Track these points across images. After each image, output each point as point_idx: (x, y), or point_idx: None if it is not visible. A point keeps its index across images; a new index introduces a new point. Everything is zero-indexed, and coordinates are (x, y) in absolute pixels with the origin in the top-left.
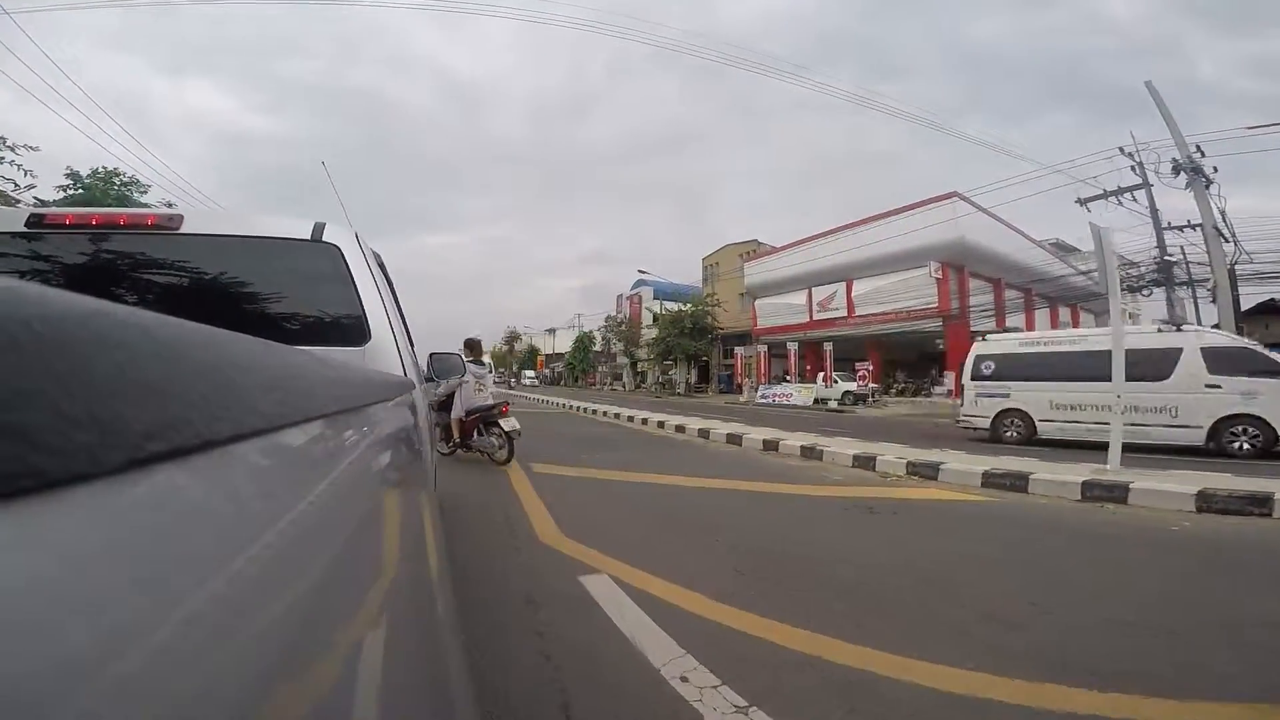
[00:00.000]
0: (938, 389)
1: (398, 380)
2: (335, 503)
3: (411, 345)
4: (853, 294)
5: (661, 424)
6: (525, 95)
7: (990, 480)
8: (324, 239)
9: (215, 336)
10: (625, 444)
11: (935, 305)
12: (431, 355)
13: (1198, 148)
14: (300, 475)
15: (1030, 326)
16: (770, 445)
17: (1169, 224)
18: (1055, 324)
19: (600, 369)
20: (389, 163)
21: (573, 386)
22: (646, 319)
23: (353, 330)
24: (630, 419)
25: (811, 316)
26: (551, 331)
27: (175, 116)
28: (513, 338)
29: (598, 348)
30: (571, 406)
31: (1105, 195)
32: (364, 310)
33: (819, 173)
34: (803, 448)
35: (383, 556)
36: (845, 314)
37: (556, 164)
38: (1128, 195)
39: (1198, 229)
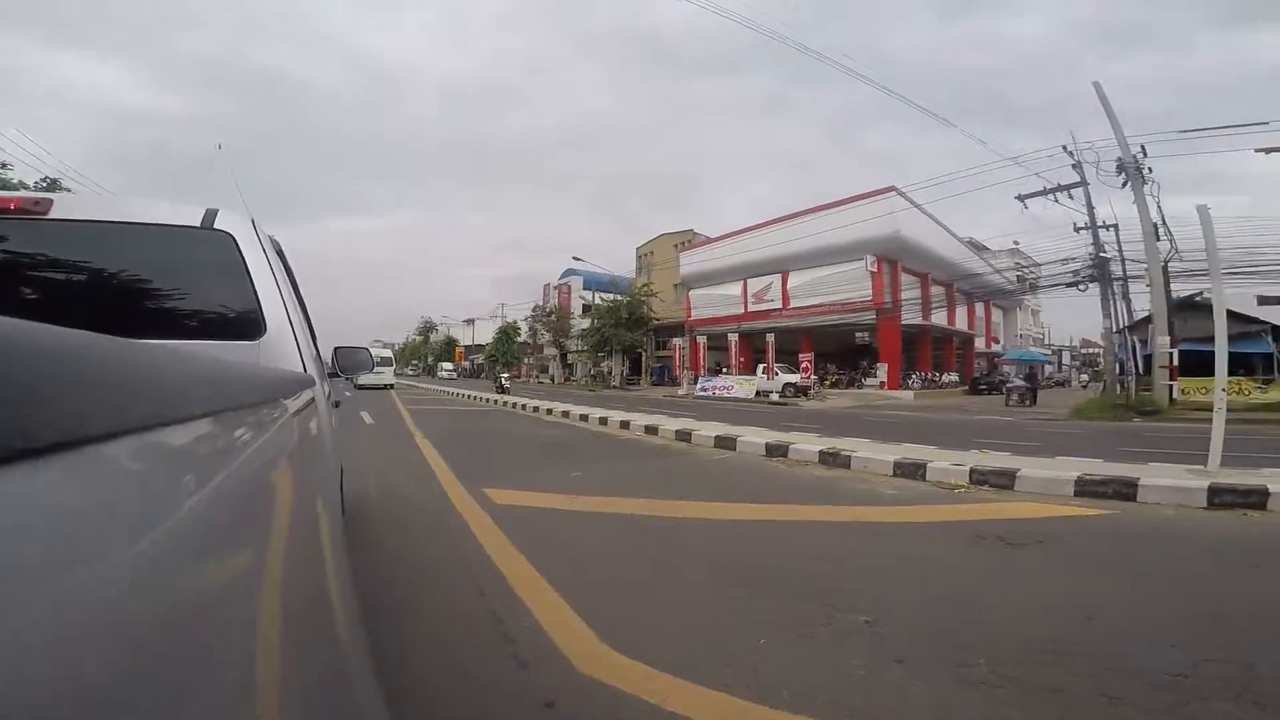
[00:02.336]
0: (869, 380)
1: (294, 377)
2: (201, 513)
3: (314, 339)
4: (788, 286)
5: (626, 424)
6: (449, 80)
7: (1086, 488)
8: (216, 226)
9: (37, 333)
10: (594, 452)
11: (869, 299)
12: (336, 349)
13: (1141, 148)
14: (158, 484)
15: (951, 322)
16: (776, 450)
17: (1103, 223)
18: (971, 320)
19: (526, 361)
20: (299, 146)
21: (492, 380)
22: (577, 309)
23: (246, 323)
24: (584, 418)
25: (746, 308)
26: (470, 322)
27: (59, 92)
28: (428, 328)
29: (523, 338)
30: (508, 403)
31: (1044, 192)
32: (259, 302)
33: (753, 167)
34: (822, 453)
35: (259, 573)
36: (780, 306)
37: (481, 151)
38: (1065, 193)
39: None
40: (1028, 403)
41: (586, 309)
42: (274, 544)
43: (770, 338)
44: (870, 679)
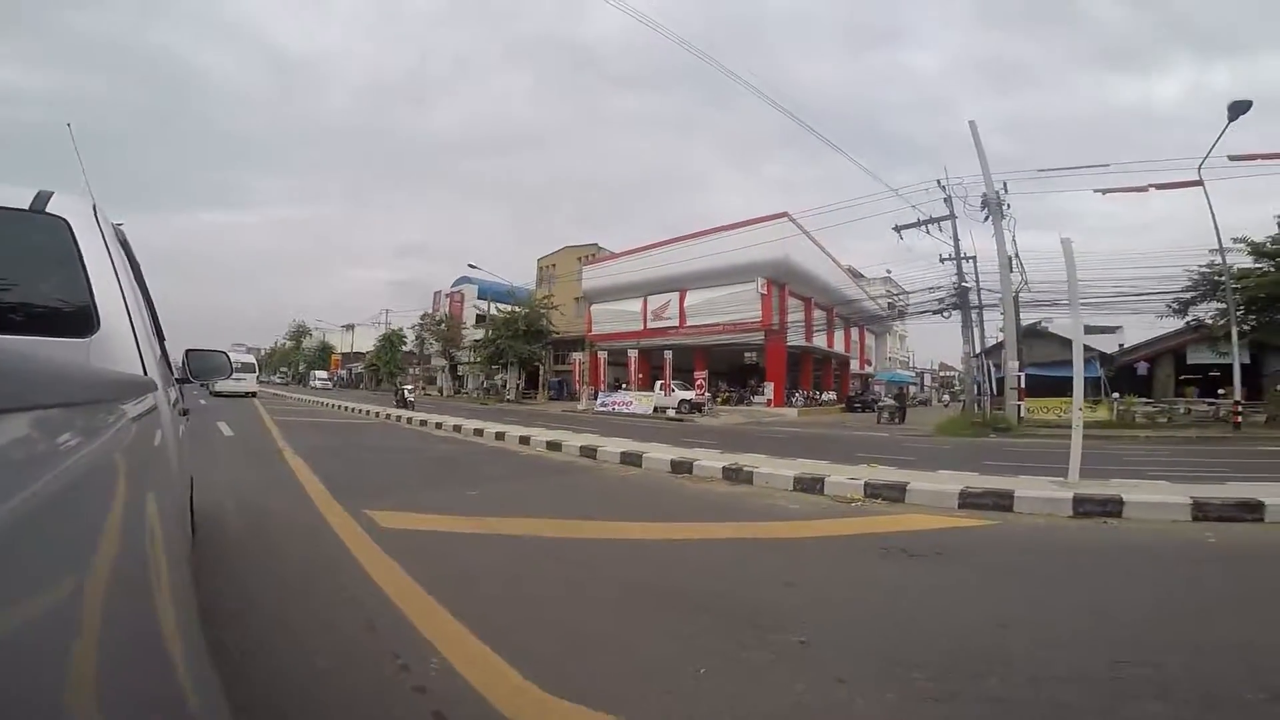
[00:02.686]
0: (757, 398)
1: (131, 379)
2: (9, 522)
3: (161, 339)
4: (685, 304)
5: (526, 440)
6: (361, 75)
7: (969, 500)
8: (49, 210)
9: None
10: (492, 470)
11: (759, 320)
12: (188, 352)
13: (1004, 184)
14: None
15: (830, 344)
16: (682, 467)
17: (964, 255)
18: (848, 343)
19: (412, 371)
20: (175, 133)
21: (376, 390)
22: (470, 318)
23: (76, 318)
24: (479, 432)
25: (646, 325)
26: (350, 328)
27: None
28: (300, 333)
29: (409, 347)
30: (393, 417)
31: (919, 224)
32: (93, 295)
33: (660, 186)
34: (725, 469)
35: (77, 592)
36: (678, 324)
37: (374, 151)
38: (936, 226)
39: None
40: (897, 420)
41: (481, 319)
42: (99, 561)
43: (668, 355)
44: (819, 702)
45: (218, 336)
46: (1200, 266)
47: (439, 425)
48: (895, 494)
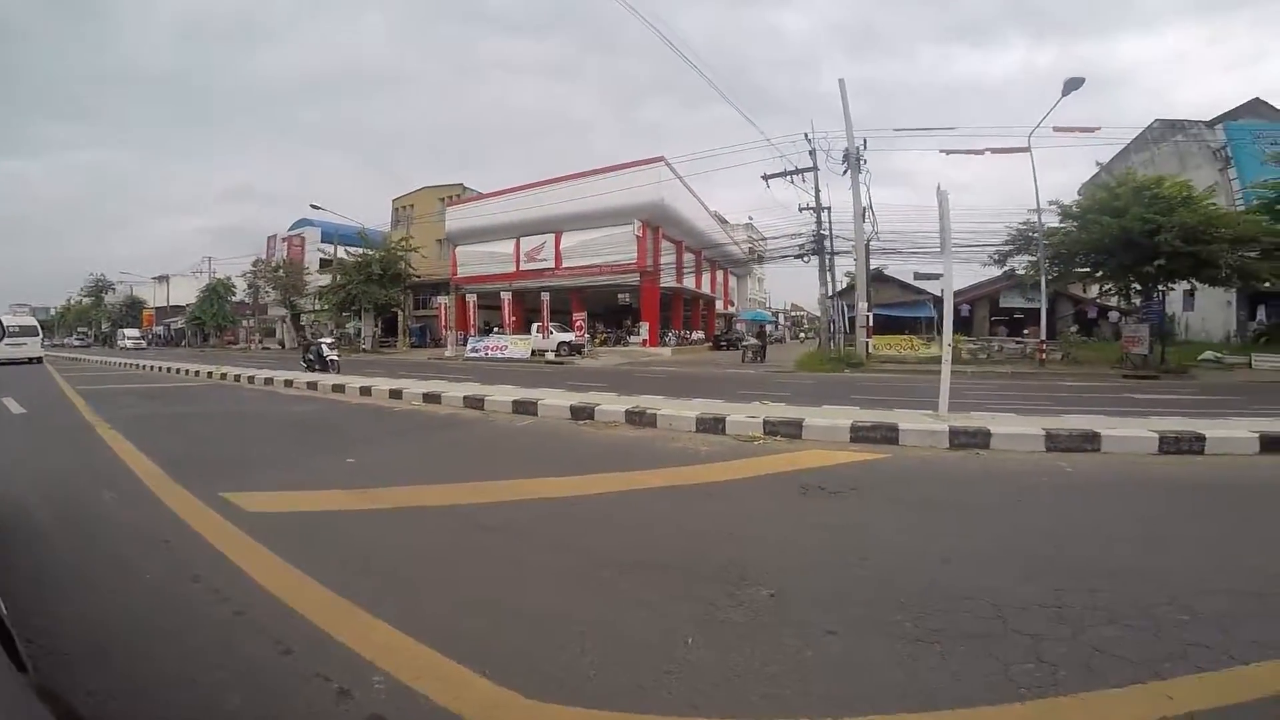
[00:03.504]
0: (633, 339)
1: None
2: None
3: None
4: (561, 246)
5: (397, 393)
6: (188, 9)
7: (859, 435)
8: None
9: None
10: (366, 430)
11: (635, 261)
12: None
13: (864, 141)
14: None
15: (698, 286)
16: (582, 412)
17: (815, 206)
18: (714, 285)
19: (246, 324)
20: None
21: (201, 347)
22: (313, 264)
23: None
24: (338, 388)
25: (519, 266)
26: (163, 279)
27: None
28: (100, 288)
29: (240, 297)
30: (231, 376)
31: (785, 174)
32: None
33: (531, 129)
34: (628, 413)
35: None
36: (554, 265)
37: (213, 89)
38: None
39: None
40: (759, 359)
41: (327, 264)
42: None
43: (546, 297)
44: (824, 657)
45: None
46: (1019, 224)
47: (289, 383)
48: (793, 430)
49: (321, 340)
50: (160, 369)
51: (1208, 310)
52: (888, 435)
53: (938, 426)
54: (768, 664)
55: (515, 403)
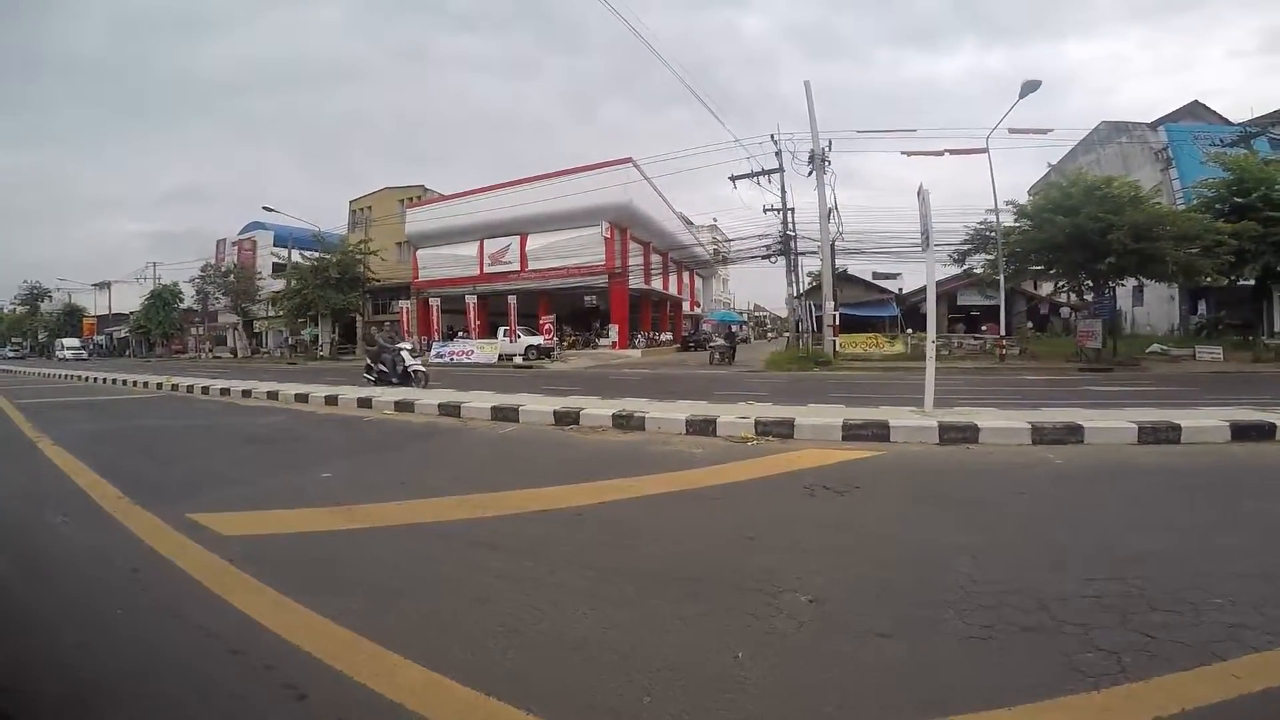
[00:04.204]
0: (603, 341)
1: None
2: None
3: None
4: (527, 248)
5: (366, 402)
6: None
7: (851, 432)
8: None
9: None
10: (338, 442)
11: (603, 263)
12: None
13: (829, 142)
14: None
15: (665, 287)
16: (565, 418)
17: (781, 206)
18: (680, 286)
19: (195, 332)
20: None
21: (147, 357)
22: (265, 268)
23: None
24: (302, 398)
25: (483, 269)
26: (104, 286)
27: None
28: (36, 295)
29: (188, 304)
30: (175, 386)
31: (752, 175)
32: None
33: (493, 130)
34: (615, 417)
35: None
36: (519, 268)
37: (143, 82)
38: (766, 178)
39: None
40: (727, 360)
41: (279, 268)
42: None
43: (512, 300)
44: (882, 661)
45: None
46: (977, 224)
47: (247, 393)
48: (785, 430)
49: (401, 346)
50: (105, 380)
51: (1152, 305)
52: (879, 432)
53: (927, 423)
54: (829, 672)
55: (494, 409)
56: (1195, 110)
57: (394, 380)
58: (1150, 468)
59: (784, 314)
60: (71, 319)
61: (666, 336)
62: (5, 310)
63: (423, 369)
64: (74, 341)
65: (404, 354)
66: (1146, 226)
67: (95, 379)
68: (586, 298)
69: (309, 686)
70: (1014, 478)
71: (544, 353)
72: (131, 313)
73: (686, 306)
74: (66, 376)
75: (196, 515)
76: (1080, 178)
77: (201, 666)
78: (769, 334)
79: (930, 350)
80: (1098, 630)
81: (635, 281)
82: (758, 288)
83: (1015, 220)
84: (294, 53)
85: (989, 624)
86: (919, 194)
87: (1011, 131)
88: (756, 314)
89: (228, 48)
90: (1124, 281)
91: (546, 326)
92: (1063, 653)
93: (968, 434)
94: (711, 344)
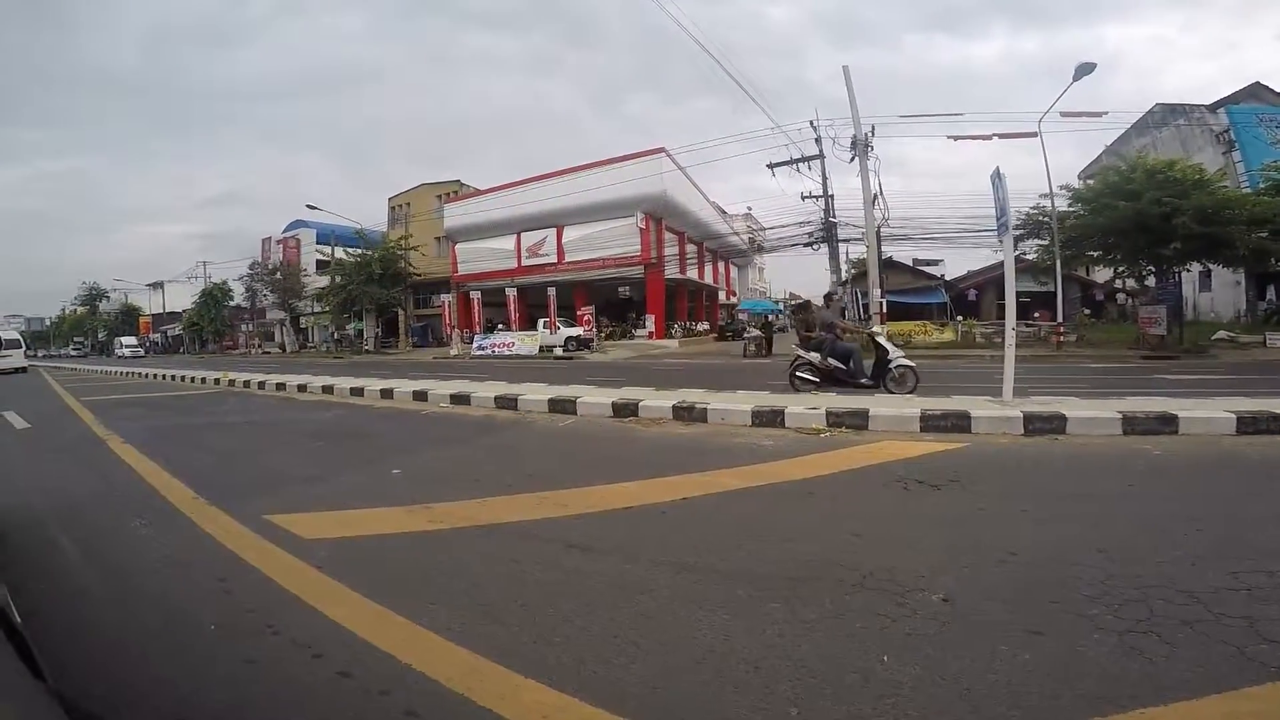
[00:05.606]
0: (639, 331)
1: None
2: None
3: None
4: (563, 240)
5: (422, 395)
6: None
7: (930, 424)
8: None
9: None
10: (399, 437)
11: (639, 254)
12: None
13: (871, 127)
14: None
15: (701, 277)
16: (624, 410)
17: (823, 193)
18: (715, 276)
19: (245, 328)
20: None
21: (200, 353)
22: (309, 265)
23: None
24: (357, 392)
25: (520, 262)
26: (158, 286)
27: None
28: (94, 296)
29: (237, 301)
30: (240, 382)
31: (791, 162)
32: None
33: (519, 126)
34: (675, 408)
35: None
36: (556, 260)
37: (193, 92)
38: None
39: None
40: (764, 352)
41: (323, 265)
42: None
43: (551, 292)
44: (1044, 659)
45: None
46: (1029, 209)
47: (302, 388)
48: (859, 421)
49: (874, 331)
50: (164, 377)
51: (1216, 290)
52: (958, 423)
53: (1010, 413)
54: (991, 673)
55: (551, 401)
56: (1257, 91)
57: (864, 380)
58: (1257, 460)
59: (820, 303)
60: (128, 318)
61: (703, 326)
62: (66, 311)
63: (908, 362)
64: (131, 340)
65: (880, 340)
66: (1215, 210)
67: (154, 375)
68: (621, 289)
69: (427, 710)
70: (1115, 470)
71: (583, 344)
72: (184, 311)
73: (722, 296)
74: (127, 374)
75: (273, 516)
76: (1140, 161)
77: (311, 690)
78: None
79: (1009, 338)
80: (1263, 623)
81: (671, 271)
82: (793, 277)
83: (1070, 205)
84: (317, 61)
85: (1144, 618)
86: (993, 177)
87: (1064, 115)
88: (793, 302)
89: (254, 61)
90: (1189, 267)
91: (585, 318)
92: (1232, 645)
93: (1055, 424)
94: (746, 334)
